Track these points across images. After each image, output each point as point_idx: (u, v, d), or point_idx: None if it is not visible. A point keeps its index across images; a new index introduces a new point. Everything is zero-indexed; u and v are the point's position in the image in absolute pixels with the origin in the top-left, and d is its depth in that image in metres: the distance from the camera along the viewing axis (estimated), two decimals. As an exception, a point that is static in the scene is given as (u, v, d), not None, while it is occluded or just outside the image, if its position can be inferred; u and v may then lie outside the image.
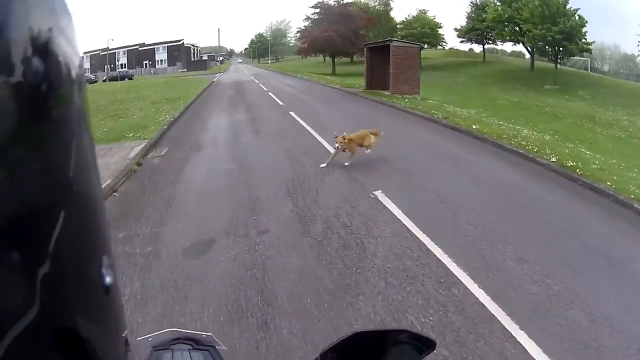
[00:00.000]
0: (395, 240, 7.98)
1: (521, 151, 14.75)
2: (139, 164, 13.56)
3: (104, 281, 0.59)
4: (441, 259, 7.32)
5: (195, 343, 1.52)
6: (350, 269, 6.99)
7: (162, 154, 15.01)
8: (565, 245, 8.14)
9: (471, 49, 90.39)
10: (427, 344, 1.26)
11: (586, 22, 56.55)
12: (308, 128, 18.23)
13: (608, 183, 11.81)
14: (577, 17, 56.03)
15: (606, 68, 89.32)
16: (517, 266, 7.22)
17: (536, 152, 14.57)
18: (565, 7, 55.84)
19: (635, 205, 10.64)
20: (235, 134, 18.09)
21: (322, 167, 12.21)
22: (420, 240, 7.96)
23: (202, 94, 37.16)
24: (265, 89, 38.57)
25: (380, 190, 10.33)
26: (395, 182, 11.10)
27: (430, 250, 7.64)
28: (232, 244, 7.97)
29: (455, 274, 6.91)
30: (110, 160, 13.51)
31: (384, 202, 9.69)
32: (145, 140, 16.62)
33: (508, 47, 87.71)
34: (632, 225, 9.61)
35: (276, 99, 30.22)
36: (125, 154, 14.28)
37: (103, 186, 10.60)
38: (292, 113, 22.49)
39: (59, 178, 0.49)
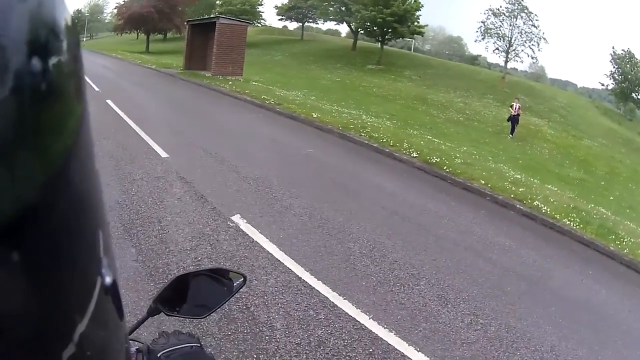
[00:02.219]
0: (288, 298, 6.30)
1: (375, 145, 14.15)
2: None
3: (104, 281, 0.58)
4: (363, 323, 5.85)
5: None
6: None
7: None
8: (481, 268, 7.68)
9: (285, 27, 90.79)
10: (239, 278, 1.70)
11: (422, 5, 58.49)
12: (129, 122, 16.03)
13: (482, 181, 11.64)
14: (413, 1, 56.83)
15: (427, 48, 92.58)
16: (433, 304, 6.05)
17: (392, 145, 14.00)
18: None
19: (518, 206, 10.72)
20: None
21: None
22: (318, 290, 6.46)
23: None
24: (79, 72, 35.14)
25: (238, 215, 8.56)
26: (253, 201, 9.37)
27: (337, 305, 6.20)
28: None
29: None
30: None
31: (249, 234, 7.94)
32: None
33: (325, 26, 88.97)
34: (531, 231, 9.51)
35: (91, 83, 26.78)
36: None
37: None
38: (109, 102, 20.00)
39: (57, 177, 0.47)
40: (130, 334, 1.66)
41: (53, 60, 0.45)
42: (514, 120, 31.95)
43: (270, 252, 7.39)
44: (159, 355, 1.61)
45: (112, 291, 0.60)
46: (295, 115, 17.67)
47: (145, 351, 1.57)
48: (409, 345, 5.53)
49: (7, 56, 0.41)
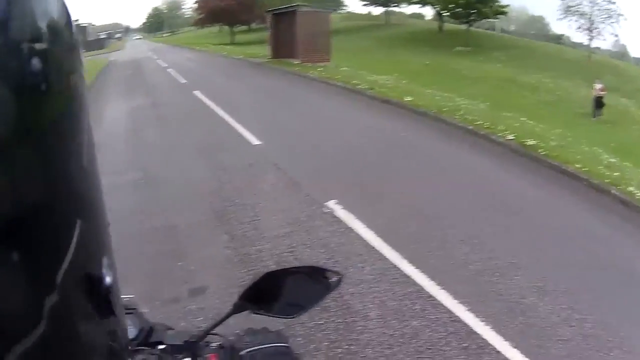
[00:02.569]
0: (384, 287, 5.92)
1: (470, 127, 13.39)
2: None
3: (104, 281, 0.59)
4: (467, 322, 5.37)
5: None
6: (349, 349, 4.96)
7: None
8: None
9: (369, 12, 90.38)
10: (334, 277, 1.53)
11: None
12: (218, 110, 16.05)
13: (577, 165, 10.83)
14: None
15: (512, 28, 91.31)
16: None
17: (487, 128, 13.25)
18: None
19: (613, 192, 9.82)
20: (135, 127, 15.37)
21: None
22: (420, 285, 5.96)
23: (98, 78, 33.33)
24: (164, 65, 36.00)
25: (333, 201, 8.18)
26: (348, 186, 8.96)
27: (433, 295, 5.75)
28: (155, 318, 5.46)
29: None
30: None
31: (345, 220, 7.57)
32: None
33: (409, 9, 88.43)
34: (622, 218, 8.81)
35: (177, 76, 27.79)
36: None
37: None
38: (196, 92, 20.26)
39: (57, 178, 0.49)
40: (212, 330, 1.55)
41: (53, 60, 0.46)
42: (597, 102, 30.72)
43: (366, 239, 7.03)
44: (241, 353, 1.59)
45: (112, 291, 0.61)
46: (388, 99, 17.13)
47: (227, 348, 1.56)
48: (504, 340, 5.17)
49: (7, 56, 0.41)
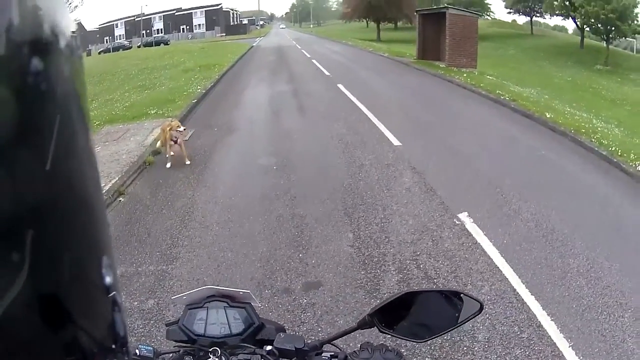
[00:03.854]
0: (498, 310, 5.75)
1: (604, 152, 12.72)
2: (156, 153, 11.30)
3: (104, 281, 0.59)
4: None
5: (231, 300, 1.59)
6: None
7: (186, 138, 12.36)
8: None
9: (514, 21, 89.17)
10: (475, 306, 1.43)
11: (639, 2, 54.76)
12: (361, 107, 15.90)
13: None
14: None
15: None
16: None
17: (620, 155, 12.51)
18: (619, -15, 54.06)
19: None
20: (275, 113, 15.67)
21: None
22: (529, 306, 5.85)
23: (239, 61, 34.94)
24: (309, 56, 36.55)
25: (466, 213, 7.92)
26: (482, 200, 8.67)
27: (543, 326, 5.56)
28: (264, 312, 5.43)
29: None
30: (122, 148, 11.54)
31: (473, 234, 7.34)
32: (169, 119, 14.20)
33: (552, 21, 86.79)
34: None
35: (321, 67, 28.04)
36: (142, 139, 12.21)
37: (108, 187, 9.00)
38: (340, 86, 20.24)
39: (57, 178, 0.49)
40: (331, 341, 1.58)
41: (53, 61, 0.47)
42: None
43: (491, 256, 6.84)
44: None
45: (112, 291, 0.60)
46: (529, 114, 16.61)
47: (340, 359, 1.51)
48: None
49: (6, 56, 0.41)
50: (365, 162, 10.21)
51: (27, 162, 0.44)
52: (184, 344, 1.55)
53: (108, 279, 0.58)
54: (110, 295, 0.60)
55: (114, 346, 0.62)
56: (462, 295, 1.49)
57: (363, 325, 1.50)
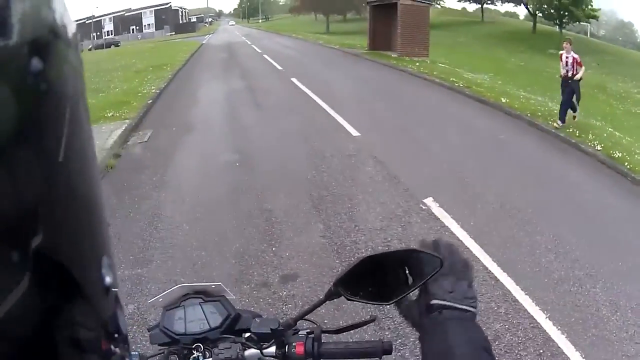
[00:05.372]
0: (478, 297, 5.42)
1: (562, 134, 13.33)
2: (117, 156, 11.26)
3: (104, 281, 0.58)
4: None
5: (205, 295, 1.61)
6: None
7: (145, 139, 12.59)
8: None
9: (464, 8, 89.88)
10: (434, 262, 1.36)
11: None
12: (317, 99, 16.07)
13: None
14: None
15: (602, 33, 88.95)
16: None
17: (578, 136, 13.20)
18: (573, -29, 55.13)
19: None
20: (231, 109, 15.67)
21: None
22: (502, 283, 6.15)
23: (190, 59, 34.88)
24: (260, 51, 36.67)
25: (431, 198, 8.15)
26: (446, 184, 8.95)
27: (518, 300, 5.89)
28: (245, 307, 5.51)
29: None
30: (83, 153, 11.11)
31: (441, 218, 7.61)
32: (126, 121, 14.37)
33: (502, 8, 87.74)
34: None
35: (274, 62, 28.13)
36: (101, 143, 11.83)
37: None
38: (294, 80, 20.37)
39: (57, 178, 0.48)
40: (301, 318, 1.56)
41: (52, 59, 0.45)
42: (568, 87, 14.90)
43: (460, 238, 7.07)
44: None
45: (112, 291, 0.60)
46: (484, 99, 17.03)
47: (317, 335, 1.53)
48: (576, 350, 5.26)
49: (6, 56, 0.40)
50: (326, 154, 10.32)
51: (27, 162, 0.43)
52: (168, 346, 1.57)
53: (108, 279, 0.58)
54: (111, 295, 0.59)
55: (114, 346, 0.62)
56: (420, 252, 1.43)
57: (330, 296, 1.48)
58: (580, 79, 14.96)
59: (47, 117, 0.45)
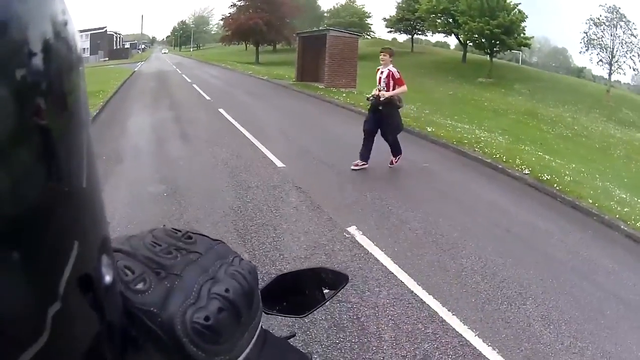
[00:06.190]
0: (399, 311, 6.15)
1: (489, 160, 13.91)
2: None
3: (104, 281, 0.60)
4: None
5: None
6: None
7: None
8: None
9: (394, 39, 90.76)
10: (341, 279, 1.60)
11: (526, 16, 58.11)
12: (243, 131, 16.25)
13: (590, 201, 11.38)
14: (517, 12, 56.64)
15: (534, 60, 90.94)
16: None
17: (505, 161, 13.77)
18: (505, 1, 56.48)
19: (622, 227, 10.24)
20: (159, 141, 15.58)
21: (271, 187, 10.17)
22: (428, 305, 6.33)
23: (122, 87, 34.26)
24: (189, 81, 36.60)
25: (354, 226, 8.40)
26: (369, 213, 9.24)
27: (446, 320, 6.04)
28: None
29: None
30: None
31: (364, 246, 7.80)
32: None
33: (433, 38, 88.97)
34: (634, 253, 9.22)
35: (202, 92, 28.24)
36: None
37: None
38: (221, 110, 20.56)
39: (57, 178, 0.49)
40: None
41: (52, 61, 0.46)
42: (383, 117, 12.37)
43: (384, 264, 7.26)
44: None
45: (112, 291, 0.62)
46: (410, 129, 17.04)
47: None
48: None
49: (6, 57, 0.42)
50: (251, 184, 10.43)
51: (27, 162, 0.45)
52: None
53: (108, 279, 0.60)
54: (110, 294, 0.61)
55: (112, 345, 0.64)
56: (329, 271, 1.63)
57: None
58: (399, 102, 12.31)
59: (47, 117, 0.46)
